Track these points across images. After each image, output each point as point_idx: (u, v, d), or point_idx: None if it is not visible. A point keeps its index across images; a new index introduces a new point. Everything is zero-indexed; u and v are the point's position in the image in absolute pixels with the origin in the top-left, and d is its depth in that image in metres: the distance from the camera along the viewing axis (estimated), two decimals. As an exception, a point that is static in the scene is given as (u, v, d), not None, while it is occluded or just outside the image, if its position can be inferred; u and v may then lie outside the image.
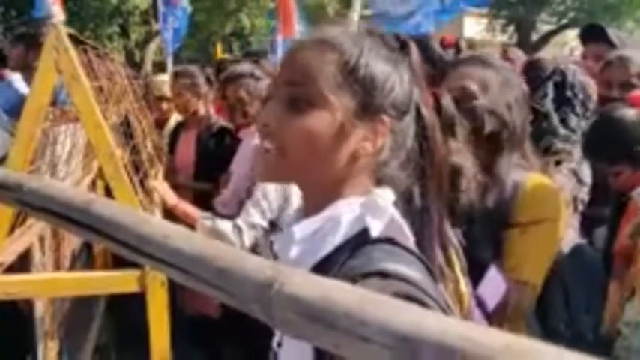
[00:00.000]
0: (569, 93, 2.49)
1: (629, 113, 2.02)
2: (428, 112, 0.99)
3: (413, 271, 0.82)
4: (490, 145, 1.69)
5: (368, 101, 0.92)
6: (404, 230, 0.92)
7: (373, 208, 0.90)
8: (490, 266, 1.65)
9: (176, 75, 3.86)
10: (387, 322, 0.42)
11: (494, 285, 1.63)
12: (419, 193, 0.98)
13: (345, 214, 0.90)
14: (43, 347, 1.81)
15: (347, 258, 0.85)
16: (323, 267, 0.85)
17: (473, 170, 1.58)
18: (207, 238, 0.60)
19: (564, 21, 20.38)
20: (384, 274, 0.79)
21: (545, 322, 1.87)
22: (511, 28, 21.25)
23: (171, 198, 2.69)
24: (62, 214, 0.71)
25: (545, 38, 20.74)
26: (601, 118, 2.12)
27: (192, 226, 2.46)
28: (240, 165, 3.02)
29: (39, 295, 1.76)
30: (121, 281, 1.55)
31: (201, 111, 3.74)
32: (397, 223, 0.91)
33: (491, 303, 1.61)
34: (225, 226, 2.43)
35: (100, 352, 2.65)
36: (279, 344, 0.95)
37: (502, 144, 1.70)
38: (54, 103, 1.92)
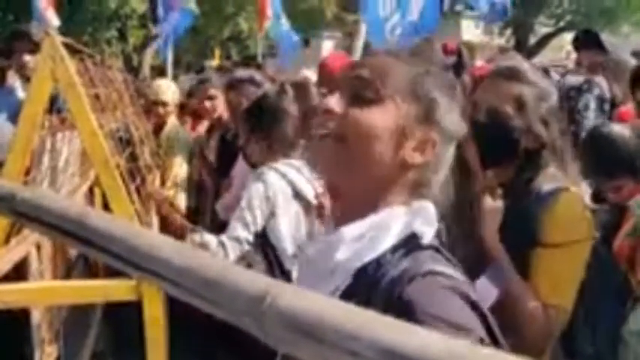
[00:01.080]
0: (606, 106, 2.50)
1: (620, 128, 2.03)
2: (470, 153, 1.05)
3: (461, 276, 0.88)
4: (527, 162, 1.66)
5: (428, 113, 0.97)
6: (443, 241, 0.97)
7: (423, 215, 0.94)
8: (481, 275, 1.64)
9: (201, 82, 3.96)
10: (375, 336, 0.42)
11: (484, 292, 1.62)
12: (453, 213, 1.01)
13: (394, 219, 0.93)
14: (40, 354, 1.81)
15: (397, 261, 0.89)
16: (370, 270, 0.90)
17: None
18: (199, 250, 0.60)
19: (561, 24, 20.42)
20: (437, 274, 0.85)
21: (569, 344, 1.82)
22: (509, 31, 21.28)
23: (165, 207, 2.70)
24: (55, 225, 0.72)
25: (543, 41, 20.78)
26: (594, 136, 2.11)
27: (182, 236, 2.46)
28: (242, 169, 3.02)
29: (35, 304, 1.76)
30: (116, 290, 1.55)
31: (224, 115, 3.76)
32: (440, 234, 0.96)
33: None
34: (210, 240, 2.41)
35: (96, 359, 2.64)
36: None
37: (540, 161, 1.66)
38: (51, 110, 1.91)
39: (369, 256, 0.91)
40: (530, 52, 18.02)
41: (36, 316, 1.82)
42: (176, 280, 0.58)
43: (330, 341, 0.44)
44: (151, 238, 0.63)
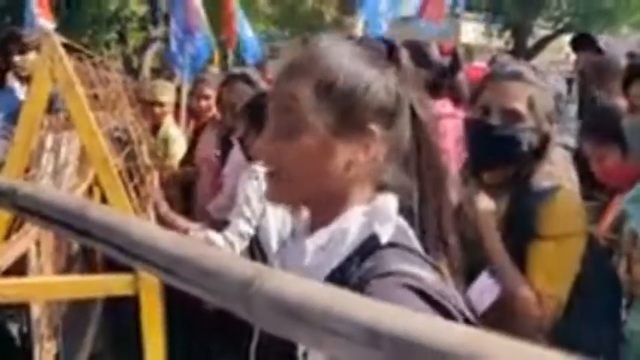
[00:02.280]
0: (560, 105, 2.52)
1: (624, 103, 2.06)
2: (423, 112, 1.01)
3: (425, 271, 0.87)
4: (529, 157, 1.70)
5: (348, 115, 0.94)
6: (408, 234, 0.95)
7: (379, 214, 0.94)
8: (484, 271, 1.67)
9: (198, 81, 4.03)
10: (361, 318, 0.44)
11: (485, 289, 1.65)
12: (417, 194, 1.00)
13: (352, 223, 0.94)
14: (40, 350, 1.83)
15: (360, 263, 0.89)
16: (337, 275, 0.90)
17: (455, 174, 1.61)
18: (192, 240, 0.63)
19: (560, 26, 20.44)
20: (397, 274, 0.84)
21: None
22: (507, 33, 21.30)
23: (163, 205, 2.72)
24: (56, 219, 0.74)
25: (542, 43, 20.80)
26: (598, 106, 2.16)
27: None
28: (233, 168, 3.04)
29: (34, 298, 1.78)
30: (114, 285, 1.57)
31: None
32: (401, 228, 0.95)
33: (481, 306, 1.62)
34: (216, 238, 2.45)
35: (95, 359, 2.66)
36: (305, 355, 0.93)
37: (543, 155, 1.71)
38: (50, 110, 1.94)
39: (335, 262, 0.92)
40: (528, 54, 18.04)
41: (35, 312, 1.84)
42: (170, 267, 0.60)
43: (317, 323, 0.46)
44: (148, 229, 0.65)
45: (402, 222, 0.96)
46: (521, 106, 1.68)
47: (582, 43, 3.22)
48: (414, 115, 1.00)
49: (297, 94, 0.95)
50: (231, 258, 0.57)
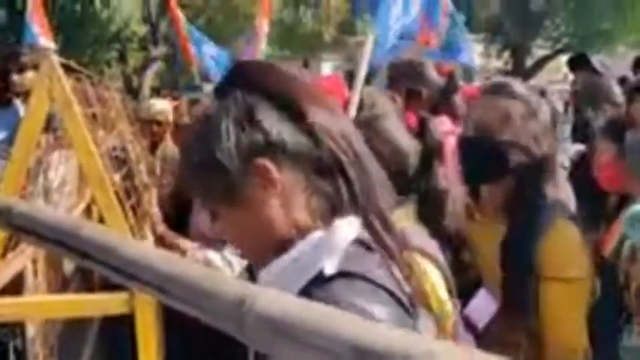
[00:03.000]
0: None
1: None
2: (322, 128, 0.94)
3: (371, 304, 0.84)
4: (517, 179, 1.66)
5: (227, 179, 0.93)
6: (364, 259, 0.91)
7: (325, 246, 0.90)
8: (480, 288, 1.66)
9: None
10: (351, 336, 0.45)
11: (483, 306, 1.64)
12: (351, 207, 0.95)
13: (301, 254, 0.91)
14: (35, 370, 1.82)
15: (311, 295, 0.85)
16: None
17: (460, 194, 1.59)
18: (184, 259, 0.63)
19: (559, 46, 20.56)
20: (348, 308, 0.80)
21: None
22: (506, 54, 21.43)
23: (160, 225, 2.72)
24: (51, 238, 0.74)
25: (540, 63, 20.92)
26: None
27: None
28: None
29: (30, 317, 1.78)
30: (110, 303, 1.57)
31: None
32: (354, 253, 0.91)
33: (481, 323, 1.62)
34: (214, 257, 2.43)
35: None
36: None
37: (529, 177, 1.66)
38: (47, 129, 1.95)
39: (293, 291, 0.87)
40: (527, 74, 18.12)
41: (30, 331, 1.84)
42: (165, 287, 0.60)
43: (307, 341, 0.47)
44: (142, 248, 0.66)
45: (356, 246, 0.92)
46: (492, 120, 1.66)
47: (579, 63, 3.27)
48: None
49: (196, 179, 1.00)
50: (224, 277, 0.57)
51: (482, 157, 1.66)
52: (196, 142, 0.96)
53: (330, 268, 0.88)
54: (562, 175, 2.32)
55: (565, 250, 1.64)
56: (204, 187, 0.97)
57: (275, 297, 0.52)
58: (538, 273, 1.62)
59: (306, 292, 0.87)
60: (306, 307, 0.50)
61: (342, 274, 0.87)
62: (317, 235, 0.92)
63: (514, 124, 1.65)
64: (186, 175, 1.01)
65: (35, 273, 1.92)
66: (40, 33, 5.03)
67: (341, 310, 0.77)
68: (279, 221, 0.93)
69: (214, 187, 0.94)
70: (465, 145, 1.69)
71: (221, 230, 1.00)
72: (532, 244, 1.62)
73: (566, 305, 1.61)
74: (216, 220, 1.00)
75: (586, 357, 1.64)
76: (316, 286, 0.87)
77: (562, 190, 1.80)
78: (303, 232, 0.93)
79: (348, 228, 0.92)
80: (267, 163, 0.91)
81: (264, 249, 0.96)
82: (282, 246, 0.93)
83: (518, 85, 1.75)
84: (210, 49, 6.97)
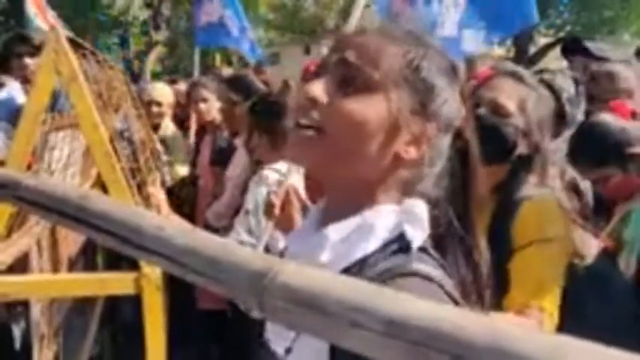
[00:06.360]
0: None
1: (613, 118, 2.04)
2: (471, 137, 0.94)
3: (446, 277, 0.82)
4: (518, 168, 1.66)
5: (426, 102, 0.87)
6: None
7: (412, 217, 0.86)
8: None
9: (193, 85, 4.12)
10: (377, 308, 0.43)
11: None
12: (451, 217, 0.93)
13: (381, 220, 0.86)
14: (39, 350, 1.81)
15: (380, 262, 0.82)
16: (354, 270, 0.83)
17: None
18: (200, 230, 0.61)
19: (562, 34, 20.49)
20: (416, 274, 0.79)
21: None
22: (509, 42, 21.35)
23: (165, 208, 2.70)
24: (58, 210, 0.72)
25: (543, 51, 20.85)
26: (586, 125, 2.11)
27: None
28: (234, 174, 3.03)
29: (35, 296, 1.76)
30: (116, 283, 1.56)
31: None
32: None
33: None
34: (249, 239, 2.40)
35: None
36: (288, 350, 0.89)
37: (532, 166, 1.66)
38: (52, 108, 1.93)
39: (354, 258, 0.84)
40: (530, 62, 18.07)
41: (35, 312, 1.82)
42: (178, 259, 0.58)
43: (333, 313, 0.45)
44: (153, 218, 0.63)
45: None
46: (510, 104, 1.64)
47: (572, 48, 3.23)
48: (458, 136, 0.93)
49: (387, 56, 0.86)
50: (244, 250, 0.55)
51: (491, 137, 1.63)
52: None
53: (417, 241, 0.84)
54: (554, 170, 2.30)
55: (540, 214, 1.62)
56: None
57: (299, 269, 0.50)
58: (514, 247, 1.59)
59: (373, 256, 0.84)
60: (333, 278, 0.48)
61: (421, 249, 0.85)
62: (391, 205, 0.88)
63: (527, 114, 1.64)
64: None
65: (41, 253, 1.91)
66: (36, 14, 5.02)
67: (419, 277, 0.78)
68: (388, 174, 0.88)
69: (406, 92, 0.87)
70: (477, 122, 1.67)
71: (324, 150, 0.86)
72: (509, 223, 1.61)
73: (547, 266, 1.57)
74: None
75: (553, 323, 1.55)
76: (388, 254, 0.84)
77: (549, 183, 1.76)
78: (383, 200, 0.88)
79: (425, 210, 0.89)
80: (435, 131, 0.88)
81: (350, 193, 0.89)
82: (360, 202, 0.88)
83: (529, 75, 1.75)
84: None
